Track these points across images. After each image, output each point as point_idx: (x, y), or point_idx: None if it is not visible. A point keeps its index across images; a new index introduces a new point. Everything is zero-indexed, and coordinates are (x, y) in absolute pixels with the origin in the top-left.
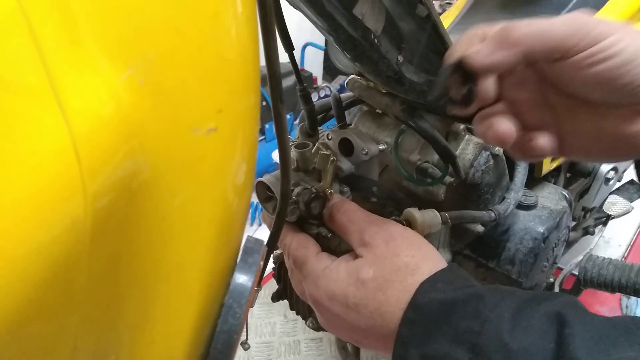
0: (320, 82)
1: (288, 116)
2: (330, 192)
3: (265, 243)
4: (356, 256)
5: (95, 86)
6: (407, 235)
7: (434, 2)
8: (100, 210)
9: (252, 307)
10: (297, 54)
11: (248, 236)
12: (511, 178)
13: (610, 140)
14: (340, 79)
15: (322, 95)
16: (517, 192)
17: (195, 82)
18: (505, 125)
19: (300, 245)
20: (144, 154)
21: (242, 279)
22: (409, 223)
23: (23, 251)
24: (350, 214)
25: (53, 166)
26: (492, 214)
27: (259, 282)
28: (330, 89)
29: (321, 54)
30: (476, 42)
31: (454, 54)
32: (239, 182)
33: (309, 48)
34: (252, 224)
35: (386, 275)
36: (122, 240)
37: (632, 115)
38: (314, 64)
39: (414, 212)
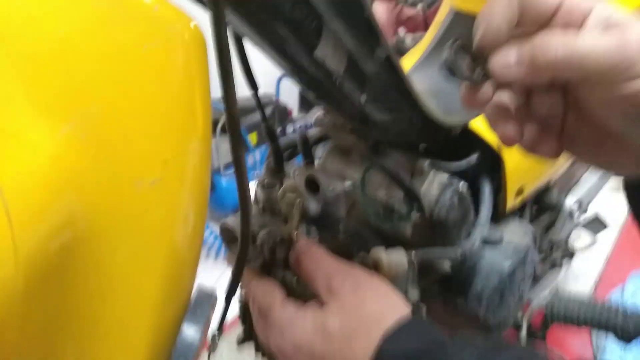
0: (295, 114)
1: (263, 147)
2: (297, 234)
3: (216, 293)
4: (322, 303)
5: (29, 144)
6: (374, 283)
7: (407, 34)
8: (33, 270)
9: (213, 351)
10: (272, 86)
11: (198, 286)
12: (477, 213)
13: (603, 155)
14: (316, 111)
15: (297, 127)
16: (482, 227)
17: (139, 134)
18: (513, 129)
19: (265, 293)
20: (83, 208)
21: (190, 332)
22: (376, 264)
23: None
24: (316, 260)
25: None
26: (458, 251)
27: (220, 327)
28: (305, 121)
29: (296, 86)
30: (502, 26)
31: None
32: (187, 232)
33: (284, 80)
34: (217, 258)
35: (353, 325)
36: (58, 298)
37: (631, 145)
38: (289, 96)
39: (381, 254)
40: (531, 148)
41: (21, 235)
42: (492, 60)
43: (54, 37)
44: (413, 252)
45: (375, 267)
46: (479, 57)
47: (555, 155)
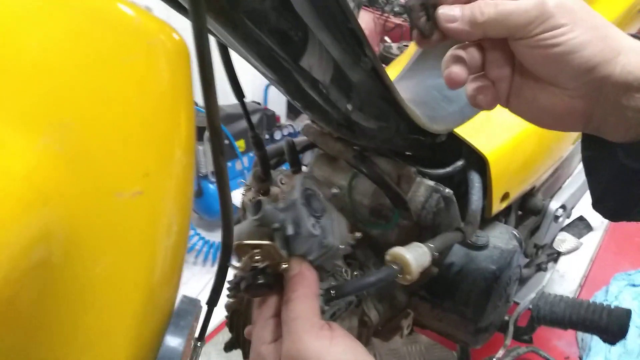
0: (283, 120)
1: (251, 154)
2: (284, 267)
3: (200, 303)
4: None
5: (2, 157)
6: (327, 359)
7: (392, 44)
8: (6, 283)
9: None
10: (260, 93)
11: (183, 296)
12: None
13: (541, 108)
14: (304, 118)
15: (285, 133)
16: (475, 213)
17: (119, 147)
18: (459, 71)
19: (259, 303)
20: (61, 221)
21: (173, 342)
22: (401, 267)
23: None
24: (288, 308)
25: None
26: (461, 234)
27: (201, 337)
28: (293, 127)
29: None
30: None
31: None
32: (169, 243)
33: (272, 87)
34: (213, 265)
35: None
36: (36, 310)
37: (564, 96)
38: (277, 102)
39: (405, 254)
40: (472, 97)
41: None
42: (438, 12)
43: (29, 49)
44: (431, 245)
45: (400, 271)
46: (432, 14)
47: (489, 106)
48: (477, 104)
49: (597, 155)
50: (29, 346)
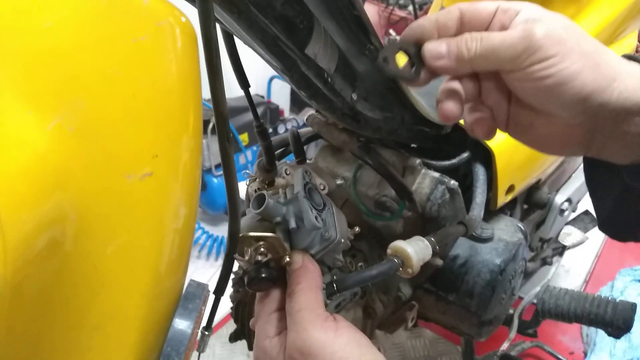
0: (287, 114)
1: (254, 148)
2: (287, 261)
3: (207, 287)
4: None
5: (16, 139)
6: (331, 349)
7: (397, 37)
8: (21, 264)
9: (202, 352)
10: (263, 86)
11: (190, 280)
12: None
13: (539, 135)
14: (308, 111)
15: (289, 127)
16: (480, 206)
17: (129, 128)
18: (453, 107)
19: (261, 297)
20: (72, 202)
21: (182, 325)
22: (402, 261)
23: None
24: (292, 300)
25: None
26: (463, 227)
27: (209, 326)
28: (297, 121)
29: (288, 86)
30: (435, 31)
31: (413, 34)
32: (177, 226)
33: (275, 80)
34: (217, 259)
35: None
36: (47, 291)
37: (561, 124)
38: (280, 96)
39: (406, 248)
40: (469, 127)
41: (9, 231)
42: (424, 49)
43: (41, 32)
44: (432, 239)
45: (401, 264)
46: (416, 57)
47: (486, 137)
48: (474, 135)
49: (600, 176)
50: (43, 326)
